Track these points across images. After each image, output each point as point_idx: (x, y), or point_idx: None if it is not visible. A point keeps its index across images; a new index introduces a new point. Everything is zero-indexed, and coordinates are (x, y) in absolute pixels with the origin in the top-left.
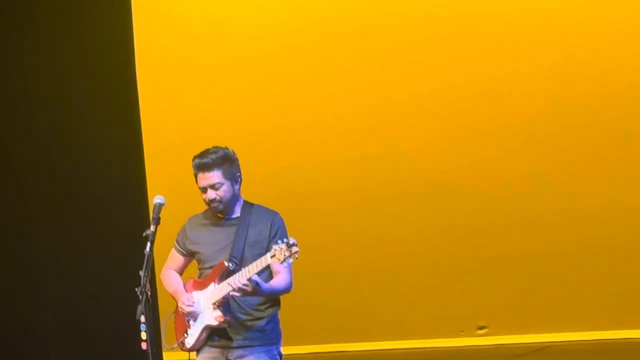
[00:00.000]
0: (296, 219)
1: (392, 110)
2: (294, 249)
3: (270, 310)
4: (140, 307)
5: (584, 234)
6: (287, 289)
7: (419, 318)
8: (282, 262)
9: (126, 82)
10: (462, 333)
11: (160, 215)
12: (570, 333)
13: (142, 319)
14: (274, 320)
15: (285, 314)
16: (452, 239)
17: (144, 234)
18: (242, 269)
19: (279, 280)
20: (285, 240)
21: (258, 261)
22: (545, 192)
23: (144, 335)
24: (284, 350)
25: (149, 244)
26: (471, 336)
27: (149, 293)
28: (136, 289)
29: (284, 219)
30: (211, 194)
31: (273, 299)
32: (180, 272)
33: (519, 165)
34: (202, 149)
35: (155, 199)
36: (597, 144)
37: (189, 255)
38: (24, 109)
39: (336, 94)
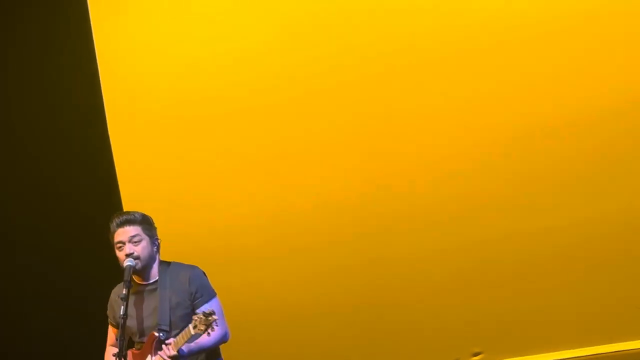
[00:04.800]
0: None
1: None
2: (211, 318)
3: None
4: None
5: (579, 255)
6: (220, 341)
7: (412, 346)
8: (203, 332)
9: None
10: None
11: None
12: (566, 351)
13: None
14: None
15: None
16: (444, 263)
17: (119, 297)
18: (167, 344)
19: (212, 334)
20: (202, 310)
21: (183, 333)
22: (537, 217)
23: None
24: None
25: (122, 307)
26: None
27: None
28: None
29: (202, 272)
30: (129, 248)
31: (211, 356)
32: None
33: (507, 182)
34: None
35: (125, 261)
36: None
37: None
38: None
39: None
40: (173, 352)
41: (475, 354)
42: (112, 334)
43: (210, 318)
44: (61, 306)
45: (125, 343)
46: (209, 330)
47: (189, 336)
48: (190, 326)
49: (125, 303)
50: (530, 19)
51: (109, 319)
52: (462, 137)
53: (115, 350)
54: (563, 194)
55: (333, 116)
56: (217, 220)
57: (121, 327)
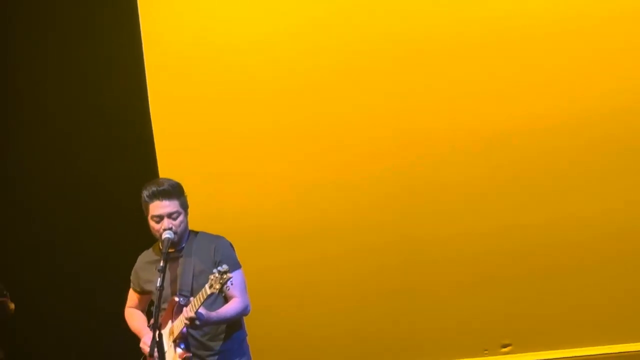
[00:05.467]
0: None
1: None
2: (225, 276)
3: (227, 338)
4: (152, 343)
5: (609, 249)
6: (241, 312)
7: (441, 336)
8: (218, 292)
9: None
10: (485, 352)
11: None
12: (595, 347)
13: (155, 354)
14: (239, 350)
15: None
16: (475, 256)
17: (156, 269)
18: (191, 302)
19: (232, 305)
20: (218, 268)
21: (199, 294)
22: (573, 209)
23: None
24: None
25: (159, 279)
26: (495, 355)
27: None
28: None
29: (229, 243)
30: (167, 223)
31: (233, 327)
32: (142, 309)
33: (550, 166)
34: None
35: (164, 234)
36: None
37: (144, 293)
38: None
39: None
40: (191, 314)
41: (504, 346)
42: (132, 296)
43: (225, 276)
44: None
45: (150, 307)
46: (233, 294)
47: (205, 296)
48: (207, 286)
49: (162, 275)
50: None
51: (131, 284)
52: (502, 119)
53: (135, 311)
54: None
55: (367, 95)
56: (250, 196)
57: (157, 298)
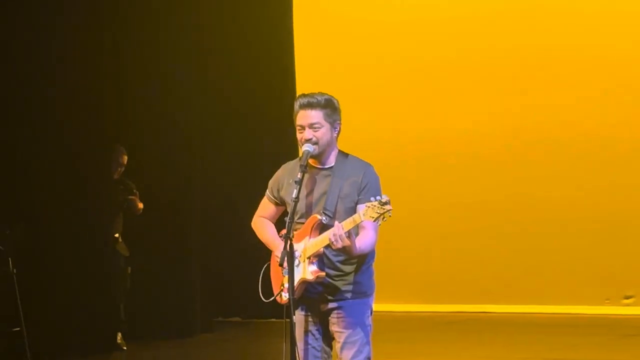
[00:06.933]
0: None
1: None
2: (387, 207)
3: (360, 264)
4: (283, 252)
5: None
6: (370, 248)
7: (564, 284)
8: (375, 220)
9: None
10: (607, 301)
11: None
12: None
13: (285, 264)
14: (366, 273)
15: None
16: (603, 204)
17: (292, 181)
18: (337, 224)
19: (365, 238)
20: (377, 197)
21: (351, 218)
22: None
23: (285, 280)
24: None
25: (295, 191)
26: (616, 305)
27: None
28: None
29: (376, 174)
30: (308, 134)
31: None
32: (273, 220)
33: None
34: None
35: (304, 146)
36: None
37: (281, 204)
38: None
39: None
40: (342, 232)
41: (627, 297)
42: (265, 204)
43: (385, 207)
44: None
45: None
46: (368, 225)
47: (357, 222)
48: (361, 212)
49: (298, 187)
50: None
51: (267, 191)
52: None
53: (267, 221)
54: None
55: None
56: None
57: (291, 210)
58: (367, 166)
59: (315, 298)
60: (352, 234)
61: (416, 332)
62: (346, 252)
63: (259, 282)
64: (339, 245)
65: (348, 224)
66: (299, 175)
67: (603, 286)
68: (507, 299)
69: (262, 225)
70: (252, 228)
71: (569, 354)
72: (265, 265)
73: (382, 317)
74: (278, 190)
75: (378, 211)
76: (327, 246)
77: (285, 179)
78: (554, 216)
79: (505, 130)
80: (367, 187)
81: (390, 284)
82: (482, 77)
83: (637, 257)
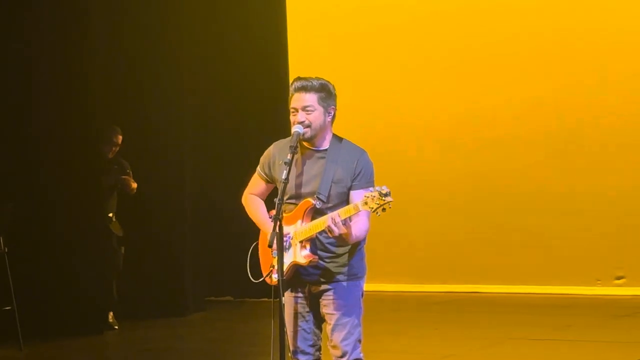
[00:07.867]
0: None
1: None
2: (387, 198)
3: (352, 246)
4: (272, 234)
5: None
6: (362, 237)
7: (556, 265)
8: (374, 211)
9: None
10: (598, 282)
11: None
12: None
13: (274, 246)
14: (357, 255)
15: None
16: (593, 185)
17: (282, 162)
18: (335, 212)
19: (359, 225)
20: (378, 188)
21: (350, 206)
22: None
23: (275, 262)
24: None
25: (285, 172)
26: (608, 286)
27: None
28: (270, 218)
29: (370, 160)
30: (301, 116)
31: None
32: (263, 197)
33: None
34: None
35: (294, 127)
36: None
37: (272, 181)
38: None
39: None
40: (339, 220)
41: (618, 278)
42: (256, 181)
43: (386, 198)
44: None
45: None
46: (378, 212)
47: (355, 211)
48: (360, 202)
49: (288, 168)
50: None
51: (258, 167)
52: None
53: (258, 199)
54: None
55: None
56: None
57: (281, 190)
58: (362, 152)
59: (306, 280)
60: (348, 221)
61: (407, 312)
62: (342, 240)
63: (247, 262)
64: (336, 233)
65: (345, 212)
66: (289, 156)
67: (594, 267)
68: (498, 279)
69: (253, 202)
70: (243, 205)
71: (560, 334)
72: (253, 245)
73: (373, 297)
74: (269, 168)
75: (378, 202)
76: (322, 232)
77: (276, 157)
78: (546, 197)
79: (497, 111)
80: (361, 174)
81: (380, 263)
82: (477, 61)
83: (628, 238)
